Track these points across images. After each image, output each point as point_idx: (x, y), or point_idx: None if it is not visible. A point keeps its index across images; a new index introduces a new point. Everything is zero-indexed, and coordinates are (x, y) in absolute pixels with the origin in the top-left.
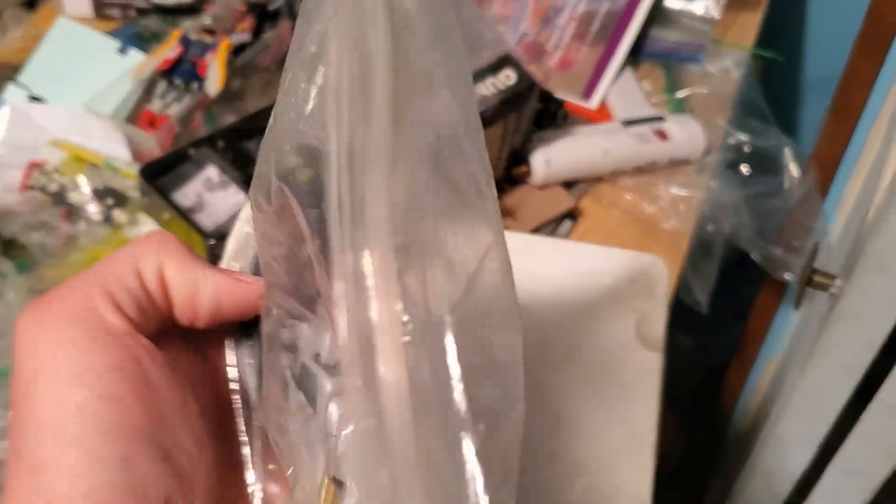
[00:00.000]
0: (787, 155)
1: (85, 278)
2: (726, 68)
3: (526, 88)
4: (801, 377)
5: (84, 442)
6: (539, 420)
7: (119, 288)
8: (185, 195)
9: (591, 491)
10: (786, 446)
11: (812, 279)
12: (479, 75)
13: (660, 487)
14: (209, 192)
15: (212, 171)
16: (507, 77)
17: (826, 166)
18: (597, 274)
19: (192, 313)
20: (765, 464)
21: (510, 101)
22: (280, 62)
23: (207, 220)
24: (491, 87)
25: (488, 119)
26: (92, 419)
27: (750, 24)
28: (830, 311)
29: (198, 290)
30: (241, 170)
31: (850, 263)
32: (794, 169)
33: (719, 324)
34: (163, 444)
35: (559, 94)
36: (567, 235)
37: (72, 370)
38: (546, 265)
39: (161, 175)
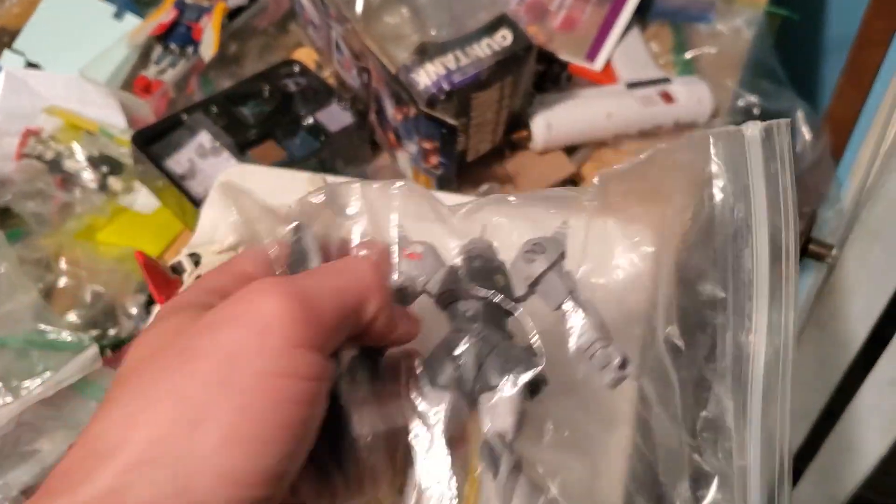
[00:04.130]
0: (800, 118)
1: (334, 287)
2: (738, 27)
3: (523, 49)
4: (795, 351)
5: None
6: None
7: (340, 323)
8: (178, 162)
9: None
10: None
11: (807, 248)
12: (474, 36)
13: None
14: (201, 158)
15: (204, 138)
16: (504, 38)
17: (839, 129)
18: None
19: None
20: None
21: (506, 63)
22: (278, 24)
23: (199, 188)
24: (486, 48)
25: (483, 81)
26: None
27: None
28: (825, 281)
29: (394, 333)
30: (234, 135)
31: (847, 232)
32: (806, 132)
33: None
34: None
35: (562, 56)
36: None
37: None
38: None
39: (153, 142)
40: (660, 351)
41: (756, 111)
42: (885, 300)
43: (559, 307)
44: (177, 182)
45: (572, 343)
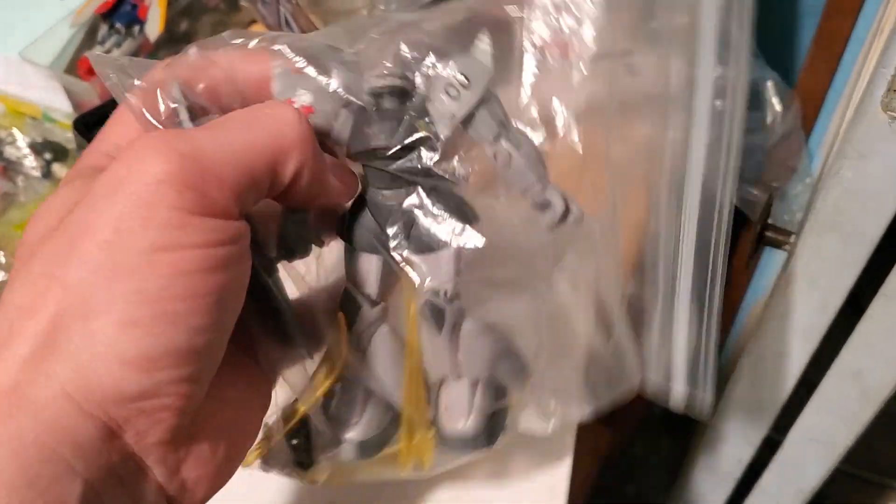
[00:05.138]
0: (770, 89)
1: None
2: None
3: None
4: (754, 342)
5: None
6: None
7: (247, 185)
8: None
9: None
10: (744, 412)
11: (764, 235)
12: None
13: (651, 430)
14: None
15: None
16: None
17: (810, 100)
18: None
19: (308, 204)
20: (724, 429)
21: None
22: (229, 1)
23: None
24: None
25: None
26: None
27: None
28: (783, 270)
29: (325, 191)
30: None
31: (804, 220)
32: (776, 103)
33: None
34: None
35: None
36: None
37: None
38: None
39: (96, 127)
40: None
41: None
42: (844, 292)
43: (490, 145)
44: None
45: (509, 183)
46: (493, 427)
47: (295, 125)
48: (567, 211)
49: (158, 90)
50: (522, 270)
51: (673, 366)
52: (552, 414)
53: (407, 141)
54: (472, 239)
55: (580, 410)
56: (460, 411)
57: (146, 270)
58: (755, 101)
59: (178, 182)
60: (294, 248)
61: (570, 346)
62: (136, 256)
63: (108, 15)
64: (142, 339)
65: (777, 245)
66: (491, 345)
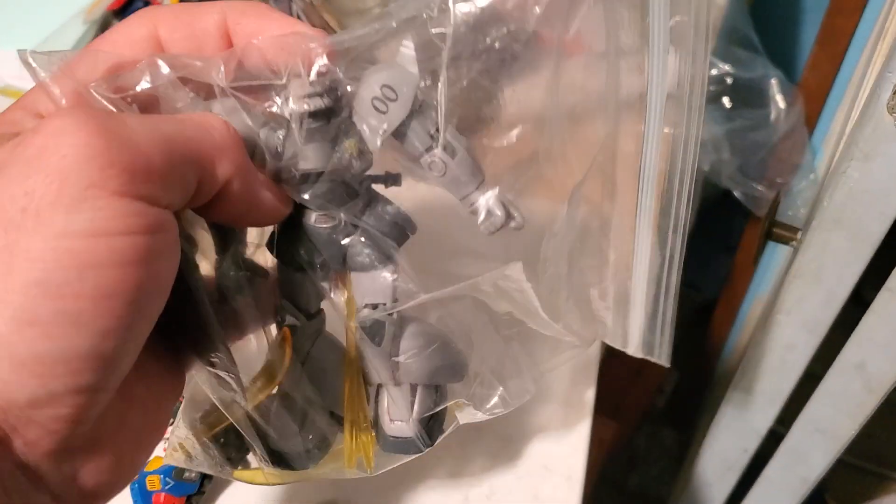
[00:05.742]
0: (774, 86)
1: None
2: None
3: None
4: (762, 334)
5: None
6: None
7: (178, 171)
8: None
9: None
10: (750, 403)
11: (772, 232)
12: None
13: (654, 422)
14: None
15: None
16: None
17: (813, 97)
18: None
19: (242, 220)
20: (730, 419)
21: None
22: None
23: None
24: None
25: None
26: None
27: None
28: (790, 265)
29: (258, 206)
30: None
31: (810, 217)
32: (780, 100)
33: (710, 258)
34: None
35: None
36: None
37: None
38: None
39: None
40: None
41: (729, 80)
42: (849, 288)
43: (423, 155)
44: None
45: (447, 191)
46: (432, 428)
47: (223, 129)
48: (508, 217)
49: (89, 86)
50: (465, 285)
51: (629, 338)
52: (494, 401)
53: (338, 162)
54: (405, 260)
55: (527, 390)
56: (400, 415)
57: (51, 260)
58: (759, 98)
59: (100, 157)
60: (236, 292)
61: (514, 335)
62: (41, 242)
63: (120, 12)
64: (38, 339)
65: (784, 241)
66: (431, 357)
